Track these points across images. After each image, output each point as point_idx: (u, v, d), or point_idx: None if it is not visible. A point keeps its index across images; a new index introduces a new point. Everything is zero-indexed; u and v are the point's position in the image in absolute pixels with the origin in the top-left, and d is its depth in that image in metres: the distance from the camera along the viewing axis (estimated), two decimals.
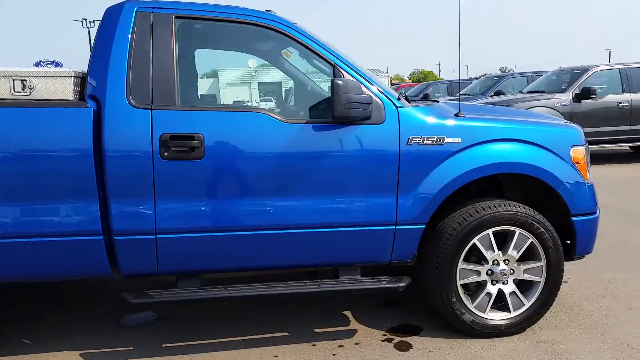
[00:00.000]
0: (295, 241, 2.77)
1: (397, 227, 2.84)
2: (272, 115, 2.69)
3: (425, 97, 5.99)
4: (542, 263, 3.01)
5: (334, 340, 3.03)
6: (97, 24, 2.77)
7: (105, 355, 2.91)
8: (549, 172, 2.94)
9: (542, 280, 3.03)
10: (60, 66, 37.31)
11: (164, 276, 2.77)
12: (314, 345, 2.98)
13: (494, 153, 2.90)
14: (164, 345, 2.99)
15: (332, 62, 2.78)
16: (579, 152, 3.05)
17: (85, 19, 38.07)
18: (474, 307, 3.00)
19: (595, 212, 3.10)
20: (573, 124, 3.28)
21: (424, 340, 3.00)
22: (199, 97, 3.30)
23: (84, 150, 2.53)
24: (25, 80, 2.57)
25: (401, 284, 2.86)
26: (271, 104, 7.15)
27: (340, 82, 2.53)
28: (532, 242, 2.97)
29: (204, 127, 2.62)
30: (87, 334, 3.14)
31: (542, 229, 2.94)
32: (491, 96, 11.37)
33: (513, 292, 3.03)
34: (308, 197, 2.75)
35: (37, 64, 34.77)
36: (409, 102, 2.90)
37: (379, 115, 2.78)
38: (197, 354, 2.90)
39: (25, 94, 2.58)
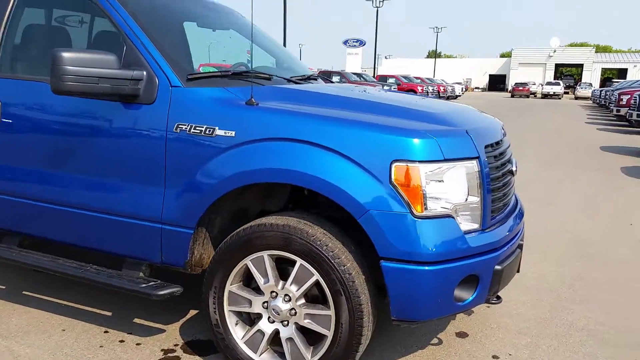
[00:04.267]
0: (63, 217, 2.66)
1: (163, 226, 2.46)
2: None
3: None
4: (331, 312, 2.22)
5: (128, 334, 2.83)
6: None
7: None
8: (345, 192, 2.12)
9: (329, 334, 2.24)
10: (364, 44, 41.14)
11: None
12: (106, 332, 2.84)
13: (270, 155, 2.23)
14: None
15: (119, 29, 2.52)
16: (409, 172, 2.09)
17: None
18: (243, 343, 2.41)
19: (426, 262, 2.10)
20: (428, 130, 2.20)
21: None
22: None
23: None
24: None
25: (159, 292, 2.46)
26: None
27: (61, 53, 2.25)
28: (317, 279, 2.21)
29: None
30: None
31: (332, 265, 2.16)
32: None
33: (291, 339, 2.33)
34: (74, 173, 2.60)
35: (345, 42, 39.88)
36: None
37: (150, 94, 2.42)
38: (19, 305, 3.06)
39: None
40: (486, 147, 2.38)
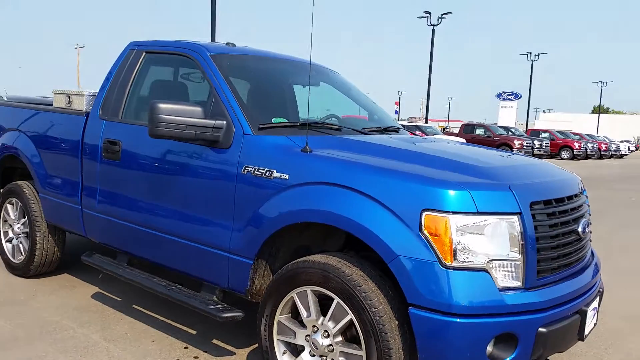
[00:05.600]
0: (154, 241, 3.13)
1: (230, 255, 2.79)
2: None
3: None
4: (362, 353, 2.31)
5: (204, 352, 3.17)
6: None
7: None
8: (376, 236, 2.24)
9: None
10: (520, 97, 40.49)
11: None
12: (186, 347, 3.22)
13: (315, 198, 2.45)
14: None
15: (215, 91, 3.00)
16: (438, 222, 2.15)
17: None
18: None
19: (453, 314, 2.10)
20: (462, 182, 2.23)
21: None
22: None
23: (76, 141, 3.66)
24: (69, 96, 3.90)
25: (222, 314, 2.78)
26: None
27: (157, 104, 2.75)
28: (351, 319, 2.33)
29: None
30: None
31: (363, 306, 2.27)
32: None
33: None
34: (165, 203, 3.08)
35: (499, 95, 39.55)
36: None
37: (227, 140, 2.82)
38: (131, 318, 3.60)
39: (69, 105, 3.92)
40: (537, 203, 2.32)
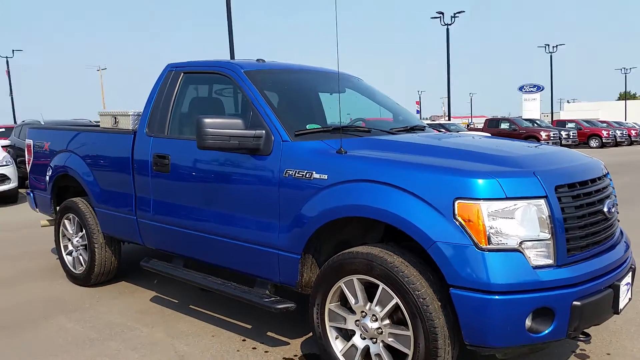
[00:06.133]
0: (208, 244, 3.41)
1: (279, 252, 3.05)
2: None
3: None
4: (410, 333, 2.53)
5: (261, 343, 3.43)
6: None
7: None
8: (414, 225, 2.47)
9: (410, 353, 2.54)
10: (542, 89, 39.97)
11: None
12: (244, 340, 3.48)
13: (354, 194, 2.69)
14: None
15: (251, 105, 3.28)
16: (471, 209, 2.37)
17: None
18: (341, 355, 2.82)
19: (491, 292, 2.31)
20: (490, 171, 2.46)
21: None
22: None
23: (127, 158, 3.99)
24: (115, 117, 4.24)
25: (276, 306, 3.04)
26: None
27: (203, 119, 3.01)
28: (397, 302, 2.56)
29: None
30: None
31: (407, 290, 2.49)
32: None
33: (379, 355, 2.67)
34: (215, 208, 3.35)
35: (521, 88, 39.38)
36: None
37: (267, 147, 3.09)
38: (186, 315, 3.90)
39: (116, 125, 4.26)
40: (561, 186, 2.51)
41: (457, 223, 2.39)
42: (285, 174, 2.98)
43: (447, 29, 30.85)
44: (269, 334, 3.57)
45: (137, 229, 4.03)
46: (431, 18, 31.63)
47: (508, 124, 27.38)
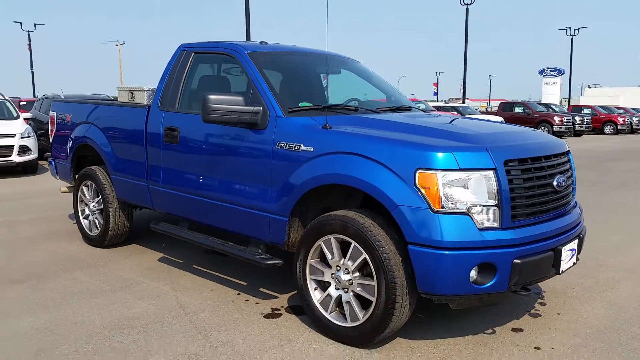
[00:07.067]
0: (210, 207, 3.85)
1: (270, 215, 3.48)
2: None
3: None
4: (374, 283, 2.96)
5: (253, 296, 3.89)
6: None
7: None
8: (381, 191, 2.87)
9: (374, 300, 2.97)
10: (563, 73, 39.55)
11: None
12: (238, 294, 3.95)
13: (334, 164, 3.09)
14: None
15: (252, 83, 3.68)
16: (429, 177, 2.76)
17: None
18: (319, 303, 3.25)
19: (441, 247, 2.72)
20: (447, 146, 2.85)
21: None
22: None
23: (141, 131, 4.43)
24: (132, 92, 4.67)
25: (266, 262, 3.48)
26: None
27: (208, 95, 3.43)
28: (365, 257, 2.98)
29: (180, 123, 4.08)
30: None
31: (374, 246, 2.91)
32: None
33: (349, 302, 3.10)
34: (217, 176, 3.78)
35: (542, 72, 39.20)
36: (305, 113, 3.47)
37: (264, 122, 3.49)
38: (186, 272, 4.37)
39: (132, 99, 4.69)
40: (511, 161, 2.89)
41: (417, 189, 2.78)
42: (277, 146, 3.39)
43: (467, 9, 30.62)
44: (261, 289, 4.02)
45: (149, 194, 4.48)
46: None
47: (522, 108, 27.37)
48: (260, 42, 4.26)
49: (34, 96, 28.90)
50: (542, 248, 2.95)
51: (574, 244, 3.23)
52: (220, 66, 4.40)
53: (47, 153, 12.20)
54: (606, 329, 3.35)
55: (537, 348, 3.10)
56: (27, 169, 10.65)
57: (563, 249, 3.07)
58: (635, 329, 3.35)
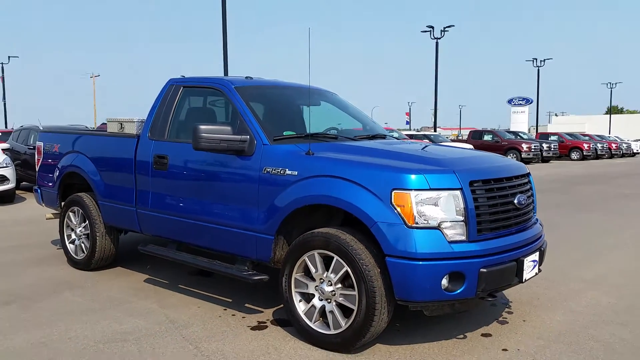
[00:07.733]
0: (199, 229, 4.09)
1: (256, 234, 3.73)
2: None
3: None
4: (355, 293, 3.22)
5: (239, 311, 4.10)
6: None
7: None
8: (361, 209, 3.17)
9: (355, 308, 3.23)
10: (531, 102, 40.88)
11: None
12: (225, 309, 4.15)
13: (317, 186, 3.38)
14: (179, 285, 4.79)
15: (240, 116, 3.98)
16: (403, 196, 3.07)
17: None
18: (303, 314, 3.49)
19: (415, 259, 3.01)
20: (419, 169, 3.18)
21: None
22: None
23: (130, 159, 4.65)
24: (122, 123, 4.92)
25: (253, 278, 3.72)
26: None
27: (199, 125, 3.70)
28: (347, 270, 3.25)
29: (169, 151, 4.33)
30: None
31: (354, 259, 3.18)
32: None
33: (332, 312, 3.36)
34: (206, 199, 4.03)
35: (510, 101, 40.74)
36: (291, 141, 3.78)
37: (251, 149, 3.78)
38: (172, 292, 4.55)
39: (121, 130, 4.94)
40: (476, 182, 3.23)
41: (393, 207, 3.09)
42: (264, 171, 3.67)
43: (437, 43, 31.75)
44: (247, 305, 4.24)
45: (136, 218, 4.68)
46: (421, 32, 32.53)
47: (491, 136, 28.29)
48: (246, 77, 4.58)
49: (5, 127, 28.62)
50: (505, 259, 3.27)
51: (535, 256, 3.57)
52: (207, 99, 4.70)
53: (24, 182, 12.21)
54: (566, 332, 3.67)
55: (505, 350, 3.39)
56: (4, 198, 10.63)
57: (525, 260, 3.41)
58: (591, 331, 3.67)
